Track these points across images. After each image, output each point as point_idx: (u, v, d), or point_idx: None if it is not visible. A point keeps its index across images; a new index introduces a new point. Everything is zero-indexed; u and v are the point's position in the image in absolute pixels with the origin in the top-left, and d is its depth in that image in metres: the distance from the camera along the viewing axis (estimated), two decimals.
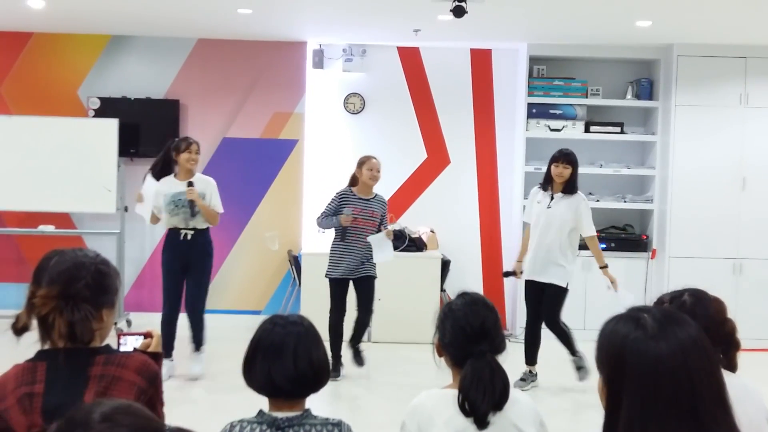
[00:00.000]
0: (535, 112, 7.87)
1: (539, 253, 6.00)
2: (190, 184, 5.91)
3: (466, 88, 8.22)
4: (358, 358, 6.28)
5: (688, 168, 7.61)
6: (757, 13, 6.26)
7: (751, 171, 7.62)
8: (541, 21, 6.88)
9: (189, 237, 5.99)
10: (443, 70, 8.20)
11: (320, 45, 8.07)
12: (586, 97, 7.91)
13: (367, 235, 6.11)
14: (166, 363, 5.97)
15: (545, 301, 5.99)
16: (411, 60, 8.21)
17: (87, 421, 1.15)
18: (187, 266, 6.02)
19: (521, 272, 6.19)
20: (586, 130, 7.87)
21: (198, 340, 6.15)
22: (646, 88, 7.94)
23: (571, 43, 7.73)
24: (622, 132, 7.91)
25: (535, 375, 6.17)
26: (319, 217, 6.27)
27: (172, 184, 6.02)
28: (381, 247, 6.10)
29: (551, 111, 7.88)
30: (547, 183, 6.05)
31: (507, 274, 6.36)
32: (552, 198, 6.01)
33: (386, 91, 8.19)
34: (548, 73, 8.01)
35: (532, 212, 6.13)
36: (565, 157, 5.96)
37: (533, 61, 7.93)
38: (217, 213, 6.11)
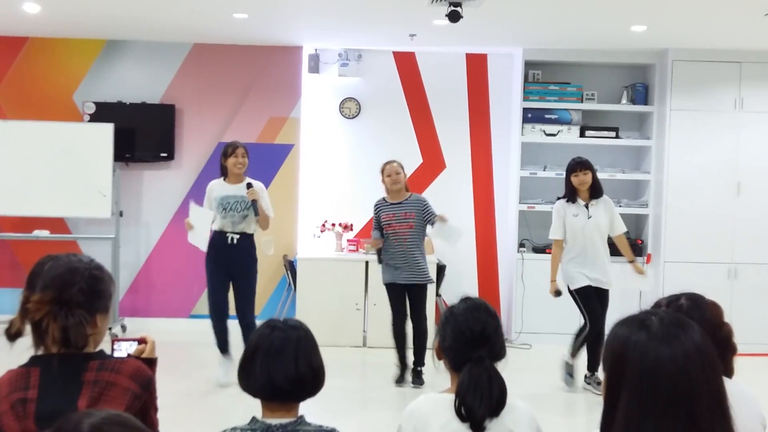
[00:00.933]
0: (531, 116, 7.88)
1: (599, 264, 6.05)
2: (249, 185, 5.92)
3: (462, 93, 8.23)
4: (417, 379, 6.13)
5: (683, 173, 7.62)
6: (752, 18, 6.28)
7: (746, 176, 7.63)
8: (536, 26, 6.89)
9: (235, 241, 5.97)
10: (439, 75, 8.21)
11: (316, 50, 8.07)
12: (582, 102, 7.93)
13: (406, 238, 6.13)
14: (225, 363, 5.97)
15: (604, 310, 6.05)
16: (407, 65, 8.22)
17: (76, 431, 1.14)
18: (232, 271, 6.00)
19: (560, 292, 6.13)
20: (582, 135, 7.88)
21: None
22: (641, 93, 7.96)
23: (567, 47, 7.75)
24: (617, 137, 7.92)
25: (597, 376, 6.10)
26: (373, 237, 6.37)
27: (221, 187, 6.04)
28: (445, 234, 6.15)
29: (546, 116, 7.89)
30: (573, 195, 6.11)
31: (558, 293, 6.16)
32: (587, 207, 6.08)
33: (382, 95, 8.20)
34: (543, 78, 8.03)
35: (568, 226, 6.10)
36: (582, 164, 6.08)
37: (528, 65, 7.94)
38: (269, 217, 6.11)
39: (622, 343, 1.54)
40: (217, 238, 6.02)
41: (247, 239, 6.03)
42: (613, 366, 1.55)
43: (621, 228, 6.22)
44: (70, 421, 1.17)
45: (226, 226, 5.98)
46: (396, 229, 6.16)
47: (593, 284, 6.03)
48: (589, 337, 5.98)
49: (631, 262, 6.24)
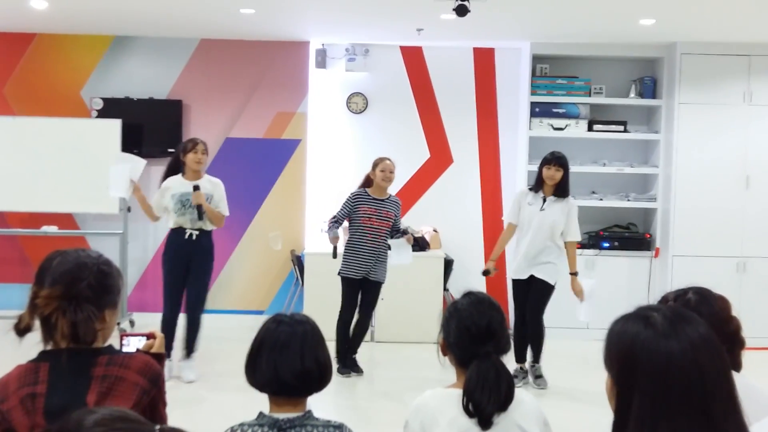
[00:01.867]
0: (538, 111, 7.86)
1: (530, 255, 6.02)
2: (196, 188, 5.87)
3: (469, 88, 8.21)
4: (356, 368, 6.32)
5: (692, 166, 7.59)
6: (761, 11, 6.25)
7: (754, 169, 7.60)
8: (544, 19, 6.87)
9: (194, 237, 5.95)
10: (446, 70, 8.19)
11: (323, 45, 8.06)
12: (590, 96, 7.90)
13: (381, 236, 6.20)
14: (166, 363, 5.95)
15: (531, 295, 6.02)
16: (414, 59, 8.20)
17: (79, 428, 1.14)
18: (189, 267, 5.98)
19: (495, 270, 6.24)
20: (590, 129, 7.86)
21: (191, 346, 6.06)
22: (649, 87, 7.93)
23: (575, 41, 7.72)
24: (625, 131, 7.90)
25: (526, 372, 6.17)
26: (330, 220, 6.35)
27: (180, 184, 5.99)
28: (400, 251, 6.21)
29: (554, 110, 7.87)
30: (539, 185, 6.07)
31: (485, 273, 6.30)
32: (544, 200, 6.03)
33: (389, 90, 8.19)
34: (551, 72, 8.00)
35: (522, 213, 6.11)
36: (558, 160, 5.98)
37: (536, 59, 7.92)
38: (223, 216, 6.08)
39: (629, 344, 1.51)
40: (175, 235, 5.98)
41: (205, 235, 6.00)
42: (621, 367, 1.53)
43: (573, 235, 6.06)
44: (71, 420, 1.17)
45: (185, 223, 5.94)
46: (375, 226, 6.21)
47: (514, 276, 6.10)
48: (514, 332, 6.14)
49: (572, 274, 6.07)
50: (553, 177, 5.97)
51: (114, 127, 7.46)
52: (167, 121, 7.96)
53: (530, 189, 6.16)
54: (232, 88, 8.11)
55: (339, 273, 6.31)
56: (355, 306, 6.30)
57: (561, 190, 6.01)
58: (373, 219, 6.19)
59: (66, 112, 7.82)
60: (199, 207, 5.85)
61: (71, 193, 7.42)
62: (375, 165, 6.33)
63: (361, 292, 6.29)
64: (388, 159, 6.36)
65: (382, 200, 6.28)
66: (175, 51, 8.07)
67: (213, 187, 6.04)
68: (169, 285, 6.03)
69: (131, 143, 7.72)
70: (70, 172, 7.40)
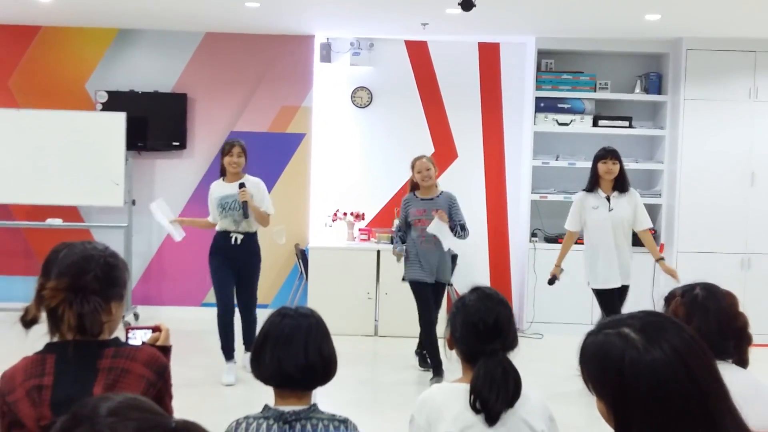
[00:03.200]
0: (543, 106, 7.85)
1: (617, 258, 5.89)
2: (242, 185, 5.83)
3: (474, 82, 8.20)
4: (424, 362, 6.16)
5: (697, 162, 7.58)
6: (767, 6, 6.22)
7: (760, 166, 7.58)
8: (549, 14, 6.86)
9: (239, 241, 5.90)
10: (451, 64, 8.18)
11: (328, 39, 8.05)
12: (595, 91, 7.89)
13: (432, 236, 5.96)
14: (229, 366, 5.92)
15: (621, 303, 5.91)
16: (419, 54, 8.19)
17: (93, 416, 1.14)
18: (236, 269, 5.94)
19: (561, 272, 6.09)
20: (595, 125, 7.85)
21: (251, 340, 5.94)
22: (654, 82, 7.91)
23: (580, 36, 7.70)
24: (630, 126, 7.88)
25: None
26: (395, 231, 6.29)
27: (220, 187, 5.98)
28: (442, 233, 5.94)
29: (559, 105, 7.86)
30: (595, 184, 5.92)
31: (551, 281, 6.15)
32: (609, 200, 5.90)
33: (394, 85, 8.18)
34: (556, 67, 7.99)
35: (588, 219, 5.95)
36: (612, 153, 5.88)
37: (541, 54, 7.90)
38: (268, 214, 6.03)
39: (617, 369, 1.45)
40: (221, 238, 5.96)
41: (251, 238, 5.97)
42: (613, 394, 1.47)
43: (645, 223, 5.98)
44: (87, 405, 1.17)
45: (229, 225, 5.91)
46: (427, 226, 5.97)
47: (602, 287, 5.91)
48: None
49: (659, 260, 5.98)
50: (611, 170, 5.84)
51: (119, 120, 7.46)
52: (172, 115, 7.96)
53: (585, 190, 5.98)
54: (237, 82, 8.11)
55: (403, 278, 6.18)
56: (428, 307, 6.08)
57: (621, 184, 5.90)
58: (423, 220, 6.02)
59: (71, 105, 7.82)
60: (244, 204, 5.81)
61: (76, 186, 7.42)
62: (412, 167, 6.19)
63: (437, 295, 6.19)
64: (424, 157, 6.20)
65: (431, 199, 6.10)
66: (180, 44, 8.07)
67: (254, 186, 5.99)
68: (217, 286, 5.99)
69: (136, 136, 7.74)
70: (74, 165, 7.41)
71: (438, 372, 5.82)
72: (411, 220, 6.10)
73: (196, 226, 6.27)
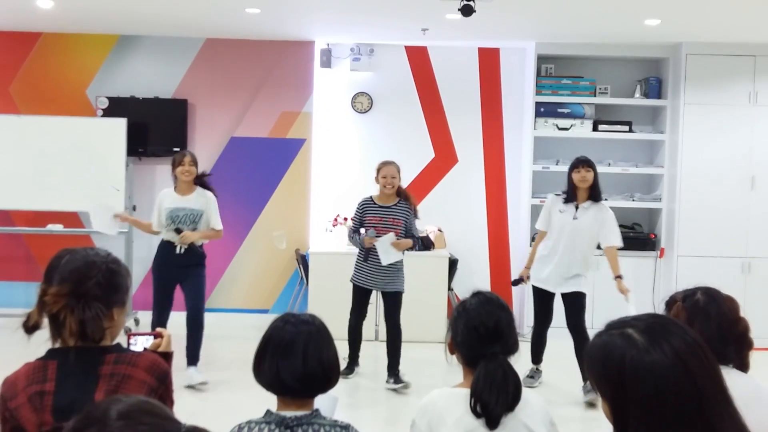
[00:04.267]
0: (543, 111, 7.86)
1: (562, 267, 5.92)
2: (178, 231, 5.83)
3: (474, 88, 8.21)
4: (398, 381, 6.04)
5: (697, 167, 7.59)
6: (766, 11, 6.23)
7: (760, 170, 7.59)
8: (549, 20, 6.87)
9: (182, 251, 5.91)
10: (451, 70, 8.20)
11: (328, 44, 8.07)
12: (595, 96, 7.89)
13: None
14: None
15: (571, 310, 5.92)
16: (419, 59, 8.20)
17: (104, 419, 1.14)
18: (179, 278, 5.95)
19: (528, 278, 6.17)
20: (595, 129, 7.86)
21: (195, 355, 5.98)
22: (654, 87, 7.92)
23: (580, 41, 7.72)
24: (630, 131, 7.89)
25: (541, 372, 6.25)
26: (348, 234, 6.22)
27: (172, 199, 5.96)
28: (387, 251, 5.91)
29: (559, 110, 7.87)
30: (572, 193, 5.94)
31: (516, 282, 6.30)
32: (577, 208, 5.91)
33: (394, 90, 8.19)
34: (556, 72, 8.00)
35: (552, 221, 6.02)
36: (585, 162, 5.91)
37: (541, 59, 7.92)
38: (218, 231, 6.03)
39: (617, 368, 1.47)
40: (165, 248, 5.95)
41: (194, 249, 5.95)
42: (613, 391, 1.49)
43: (611, 240, 5.87)
44: (99, 407, 1.17)
45: (173, 237, 5.89)
46: (382, 234, 5.91)
47: (540, 285, 6.03)
48: (533, 335, 6.21)
49: (616, 278, 5.83)
50: (585, 178, 5.85)
51: (119, 126, 7.48)
52: (172, 121, 7.97)
53: (559, 195, 6.02)
54: (238, 88, 8.12)
55: (351, 279, 6.19)
56: (360, 314, 6.16)
57: (595, 193, 5.89)
58: (379, 228, 5.95)
59: (71, 111, 7.83)
60: (177, 230, 5.83)
61: (77, 192, 7.43)
62: (377, 170, 6.07)
63: (383, 305, 6.20)
64: (392, 163, 6.07)
65: (389, 207, 6.01)
66: (181, 50, 8.08)
67: (205, 201, 5.97)
68: (157, 294, 6.00)
69: (136, 142, 7.75)
70: (75, 171, 7.41)
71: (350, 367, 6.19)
72: (365, 225, 6.03)
73: (138, 228, 6.28)
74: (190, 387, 5.83)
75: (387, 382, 6.05)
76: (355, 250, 7.52)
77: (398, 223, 5.97)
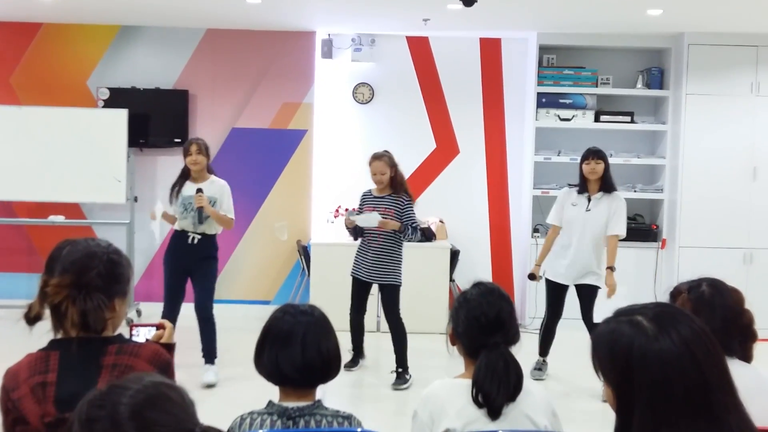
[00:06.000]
0: (545, 101, 7.84)
1: (578, 260, 5.86)
2: (199, 190, 5.74)
3: (476, 78, 8.19)
4: (400, 380, 5.97)
5: (699, 157, 7.58)
6: None
7: (762, 160, 7.58)
8: (551, 10, 6.85)
9: (196, 241, 5.81)
10: (452, 60, 8.18)
11: (329, 35, 8.05)
12: (596, 87, 7.88)
13: (380, 236, 5.89)
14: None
15: (586, 303, 5.86)
16: (420, 49, 8.18)
17: (114, 416, 1.11)
18: (191, 270, 5.87)
19: (541, 276, 6.10)
20: (596, 120, 7.84)
21: (210, 352, 5.92)
22: (656, 77, 7.90)
23: (581, 32, 7.70)
24: (632, 121, 7.88)
25: (547, 363, 6.25)
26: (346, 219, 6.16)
27: (185, 187, 5.87)
28: (365, 220, 5.86)
29: (561, 100, 7.85)
30: (583, 185, 5.88)
31: (531, 277, 6.18)
32: (590, 200, 5.85)
33: (395, 80, 8.17)
34: (558, 63, 7.98)
35: (565, 215, 5.96)
36: (595, 153, 5.83)
37: (543, 50, 7.90)
38: (230, 219, 5.92)
39: (625, 353, 1.48)
40: (178, 238, 5.87)
41: (208, 240, 5.84)
42: (618, 377, 1.50)
43: (615, 229, 5.81)
44: (107, 400, 1.13)
45: (187, 225, 5.80)
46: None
47: (556, 279, 5.98)
48: (543, 328, 6.17)
49: (608, 268, 5.80)
50: (595, 170, 5.79)
51: (120, 117, 7.47)
52: (173, 111, 7.96)
53: (573, 186, 5.97)
54: (239, 78, 8.11)
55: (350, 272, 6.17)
56: (359, 306, 6.13)
57: (606, 184, 5.83)
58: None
59: (72, 102, 7.82)
60: (199, 210, 5.72)
61: (78, 183, 7.43)
62: (369, 164, 6.03)
63: (381, 299, 6.18)
64: (380, 157, 5.97)
65: (383, 197, 5.99)
66: (182, 41, 8.07)
67: (218, 189, 5.88)
68: (168, 287, 5.92)
69: (137, 133, 7.74)
70: (76, 162, 7.41)
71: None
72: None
73: (170, 222, 6.10)
74: (210, 386, 5.78)
75: (391, 373, 6.05)
76: (356, 240, 7.52)
77: (389, 213, 5.91)
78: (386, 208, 5.93)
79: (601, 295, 5.86)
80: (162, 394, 1.16)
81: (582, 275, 5.90)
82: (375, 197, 6.06)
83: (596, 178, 5.84)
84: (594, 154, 5.86)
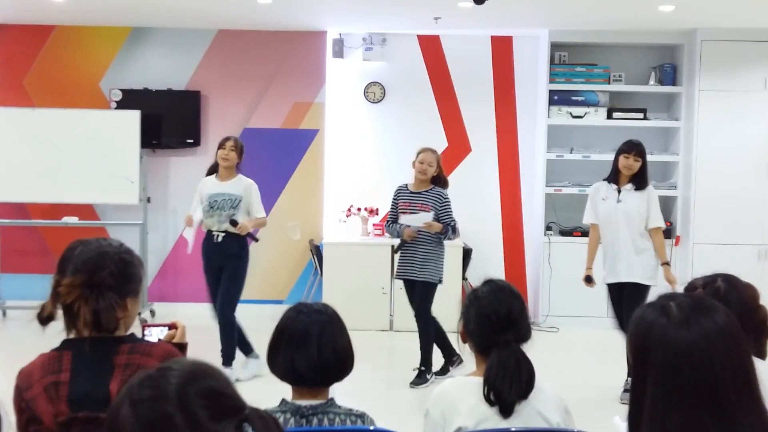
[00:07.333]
0: (557, 99, 7.82)
1: (620, 251, 5.47)
2: (234, 223, 5.69)
3: (487, 76, 8.17)
4: (419, 379, 5.84)
5: (712, 154, 7.53)
6: None
7: None
8: (562, 7, 6.82)
9: (220, 239, 5.79)
10: (464, 58, 8.16)
11: (340, 34, 8.05)
12: (609, 84, 7.85)
13: (418, 231, 5.75)
14: (245, 361, 5.95)
15: (625, 302, 5.40)
16: (431, 48, 8.17)
17: (163, 387, 1.15)
18: (221, 268, 5.84)
19: (593, 281, 5.72)
20: (609, 117, 7.81)
21: (227, 354, 5.86)
22: (669, 74, 7.86)
23: (593, 29, 7.67)
24: (645, 118, 7.84)
25: None
26: (386, 224, 6.08)
27: (212, 185, 5.86)
28: (415, 221, 5.74)
29: (573, 98, 7.83)
30: (615, 176, 5.55)
31: (588, 279, 5.76)
32: (619, 192, 5.50)
33: (406, 79, 8.17)
34: (570, 60, 7.95)
35: (599, 210, 5.61)
36: (636, 148, 5.45)
37: (555, 47, 7.87)
38: (263, 220, 5.95)
39: (644, 332, 1.53)
40: (206, 237, 5.89)
41: (233, 239, 5.79)
42: (636, 355, 1.54)
43: (653, 222, 5.49)
44: (155, 377, 1.18)
45: (212, 225, 5.80)
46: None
47: (610, 280, 5.56)
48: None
49: (663, 264, 5.49)
50: (631, 167, 5.44)
51: (133, 118, 7.50)
52: (186, 112, 7.99)
53: (606, 180, 5.63)
54: (250, 79, 8.12)
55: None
56: (412, 303, 5.94)
57: (639, 181, 5.48)
58: (407, 214, 5.83)
59: (85, 104, 7.86)
60: (233, 221, 5.71)
61: (91, 184, 7.47)
62: (416, 155, 5.90)
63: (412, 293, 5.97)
64: (432, 150, 5.88)
65: (419, 193, 5.87)
66: (193, 42, 8.09)
67: (245, 189, 5.84)
68: (208, 287, 5.97)
69: (150, 134, 7.77)
70: (90, 164, 7.45)
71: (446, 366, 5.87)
72: (399, 212, 5.92)
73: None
74: None
75: (414, 370, 5.94)
76: (368, 239, 7.48)
77: (426, 208, 5.80)
78: (422, 204, 5.84)
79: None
80: (209, 374, 1.24)
81: (630, 265, 5.47)
82: (411, 192, 5.92)
83: (629, 174, 5.51)
84: (635, 149, 5.47)
